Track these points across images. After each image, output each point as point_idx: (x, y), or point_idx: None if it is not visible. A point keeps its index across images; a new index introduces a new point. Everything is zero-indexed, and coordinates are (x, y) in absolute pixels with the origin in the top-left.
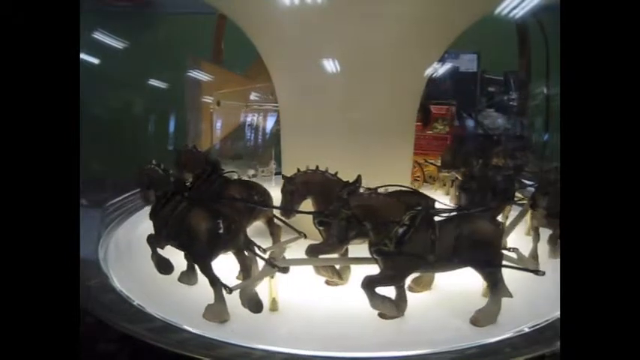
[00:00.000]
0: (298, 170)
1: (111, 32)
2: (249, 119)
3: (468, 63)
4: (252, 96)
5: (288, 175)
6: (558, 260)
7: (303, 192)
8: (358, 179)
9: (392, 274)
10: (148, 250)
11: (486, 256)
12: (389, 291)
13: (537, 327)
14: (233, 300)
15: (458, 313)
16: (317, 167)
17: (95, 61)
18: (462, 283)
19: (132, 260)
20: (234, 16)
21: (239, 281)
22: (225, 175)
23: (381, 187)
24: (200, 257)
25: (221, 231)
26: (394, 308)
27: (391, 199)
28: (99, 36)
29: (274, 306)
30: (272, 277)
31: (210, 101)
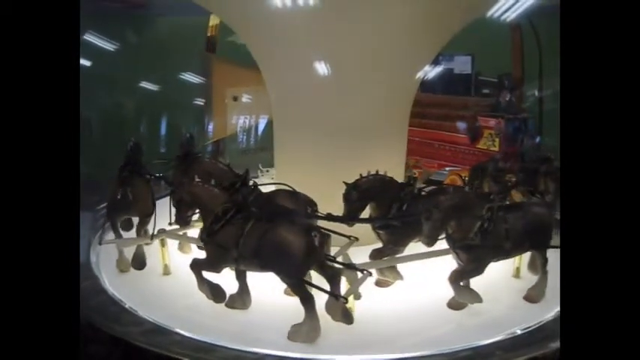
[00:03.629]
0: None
1: (102, 34)
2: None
3: (462, 65)
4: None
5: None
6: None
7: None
8: (245, 172)
9: (208, 261)
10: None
11: (286, 266)
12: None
13: (529, 329)
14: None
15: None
16: (213, 156)
17: (86, 62)
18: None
19: (136, 280)
20: (226, 16)
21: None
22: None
23: (267, 184)
24: (107, 216)
25: (119, 197)
26: (209, 294)
27: (215, 190)
28: (91, 38)
29: (166, 270)
30: (163, 245)
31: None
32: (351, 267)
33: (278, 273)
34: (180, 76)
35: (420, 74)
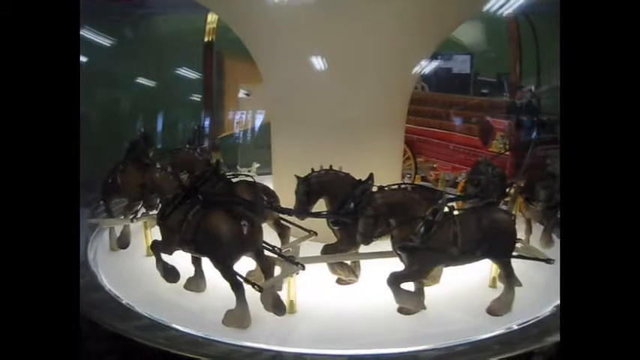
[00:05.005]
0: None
1: (101, 31)
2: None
3: (461, 64)
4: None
5: None
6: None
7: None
8: (216, 163)
9: (162, 242)
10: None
11: (215, 252)
12: None
13: (526, 324)
14: None
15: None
16: (186, 146)
17: (83, 59)
18: None
19: (120, 259)
20: (223, 14)
21: None
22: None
23: (235, 174)
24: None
25: (109, 180)
26: (162, 273)
27: (171, 177)
28: (88, 34)
29: (149, 252)
30: (146, 228)
31: None
32: (286, 259)
33: (209, 258)
34: (183, 73)
35: (416, 69)
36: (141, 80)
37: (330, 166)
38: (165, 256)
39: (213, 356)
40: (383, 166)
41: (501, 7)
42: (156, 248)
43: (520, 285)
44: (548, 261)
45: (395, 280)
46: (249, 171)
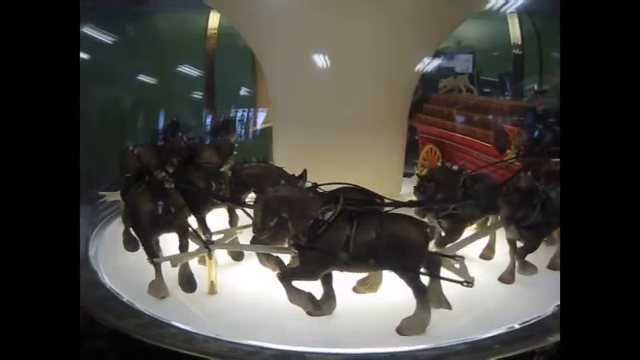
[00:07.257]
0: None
1: (102, 28)
2: None
3: (463, 63)
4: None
5: None
6: None
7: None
8: (193, 152)
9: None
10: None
11: (136, 229)
12: None
13: (527, 324)
14: None
15: None
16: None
17: (84, 56)
18: None
19: (122, 257)
20: (226, 12)
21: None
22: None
23: (209, 164)
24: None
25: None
26: (123, 242)
27: (134, 158)
28: (89, 31)
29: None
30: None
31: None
32: (199, 240)
33: (135, 235)
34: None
35: (418, 67)
36: (147, 78)
37: (263, 159)
38: None
39: (213, 354)
40: (384, 165)
41: (503, 5)
42: (124, 220)
43: (449, 308)
44: (463, 283)
45: (285, 276)
46: None
